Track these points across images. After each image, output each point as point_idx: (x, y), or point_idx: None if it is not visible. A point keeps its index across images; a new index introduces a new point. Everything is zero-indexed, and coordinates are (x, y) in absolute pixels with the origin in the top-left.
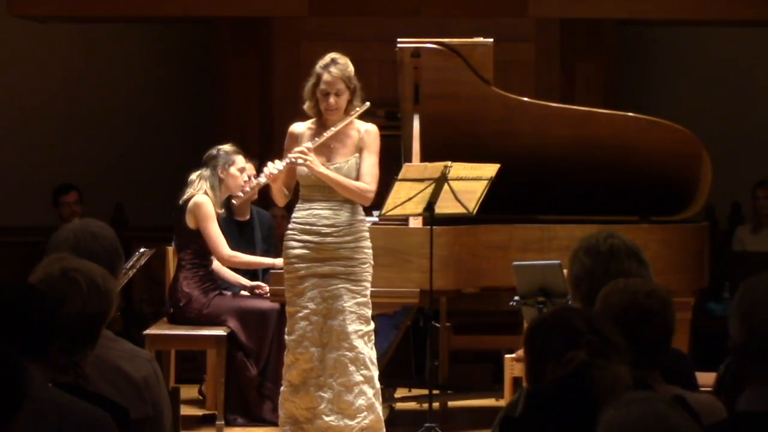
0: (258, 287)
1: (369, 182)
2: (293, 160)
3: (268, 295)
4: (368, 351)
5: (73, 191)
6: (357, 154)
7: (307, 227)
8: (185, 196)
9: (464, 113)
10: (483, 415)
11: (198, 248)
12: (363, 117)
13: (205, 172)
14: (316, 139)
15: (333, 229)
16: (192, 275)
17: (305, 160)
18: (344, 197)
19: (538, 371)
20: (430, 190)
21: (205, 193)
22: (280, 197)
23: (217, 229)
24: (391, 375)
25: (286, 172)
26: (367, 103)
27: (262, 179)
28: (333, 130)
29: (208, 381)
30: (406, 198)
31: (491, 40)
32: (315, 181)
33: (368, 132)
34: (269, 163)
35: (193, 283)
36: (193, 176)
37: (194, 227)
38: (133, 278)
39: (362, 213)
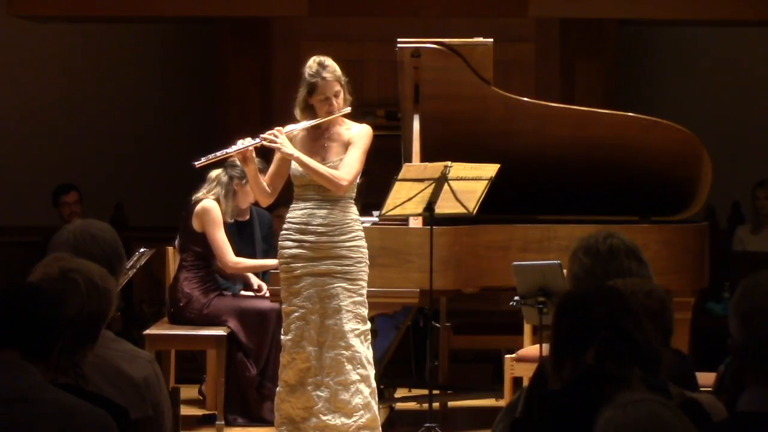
0: (261, 288)
1: (344, 172)
2: (264, 139)
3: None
4: (364, 350)
5: (73, 191)
6: None
7: (303, 227)
8: (198, 195)
9: (464, 113)
10: (483, 415)
11: (201, 250)
12: (364, 117)
13: (224, 177)
14: (291, 126)
15: (328, 228)
16: (192, 276)
17: (275, 141)
18: (337, 195)
19: (559, 363)
20: (430, 190)
21: (216, 199)
22: (258, 192)
23: (223, 235)
24: (391, 375)
25: (274, 171)
26: (348, 108)
27: (229, 150)
28: (313, 122)
29: (208, 381)
30: (406, 198)
31: (491, 40)
32: (309, 181)
33: (360, 129)
34: (239, 141)
35: (194, 283)
36: (213, 175)
37: (199, 230)
38: (133, 278)
39: (356, 212)
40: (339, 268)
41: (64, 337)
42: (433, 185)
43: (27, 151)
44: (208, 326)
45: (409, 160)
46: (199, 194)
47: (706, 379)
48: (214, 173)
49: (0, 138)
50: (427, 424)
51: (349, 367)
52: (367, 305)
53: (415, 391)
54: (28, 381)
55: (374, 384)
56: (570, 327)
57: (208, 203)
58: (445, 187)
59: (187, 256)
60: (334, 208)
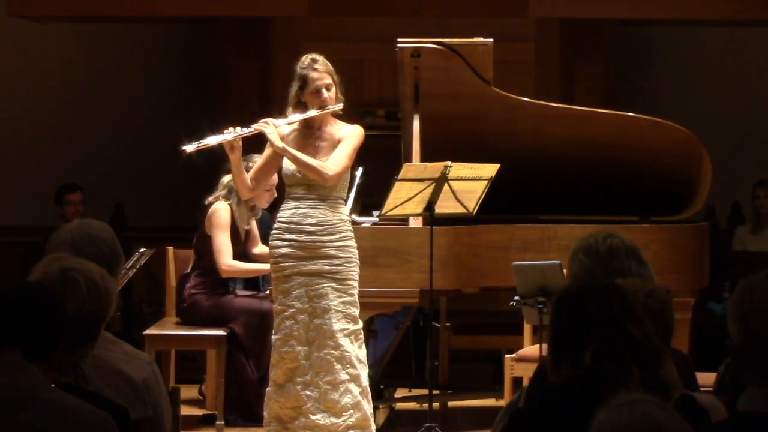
0: None
1: (332, 164)
2: (255, 129)
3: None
4: (354, 349)
5: (79, 190)
6: None
7: (292, 226)
8: (210, 198)
9: (464, 113)
10: (483, 415)
11: (212, 255)
12: (364, 117)
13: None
14: (282, 120)
15: (317, 227)
16: (201, 281)
17: (265, 129)
18: (326, 194)
19: (558, 360)
20: (430, 190)
21: (230, 204)
22: (239, 183)
23: (225, 238)
24: (391, 375)
25: (261, 166)
26: (341, 105)
27: (220, 138)
28: (305, 115)
29: (208, 381)
30: (406, 198)
31: (491, 40)
32: (299, 180)
33: (351, 129)
34: (230, 128)
35: (200, 287)
36: (225, 180)
37: (210, 233)
38: (133, 278)
39: (346, 212)
40: (328, 268)
41: (66, 337)
42: (433, 185)
43: (26, 151)
44: (209, 326)
45: (409, 160)
46: (212, 198)
47: (706, 379)
48: (226, 179)
49: (0, 138)
50: (427, 424)
51: (338, 366)
52: (358, 305)
53: (415, 391)
54: (29, 381)
55: (365, 383)
56: (567, 325)
57: (219, 205)
58: (445, 187)
59: (200, 259)
60: (323, 207)
